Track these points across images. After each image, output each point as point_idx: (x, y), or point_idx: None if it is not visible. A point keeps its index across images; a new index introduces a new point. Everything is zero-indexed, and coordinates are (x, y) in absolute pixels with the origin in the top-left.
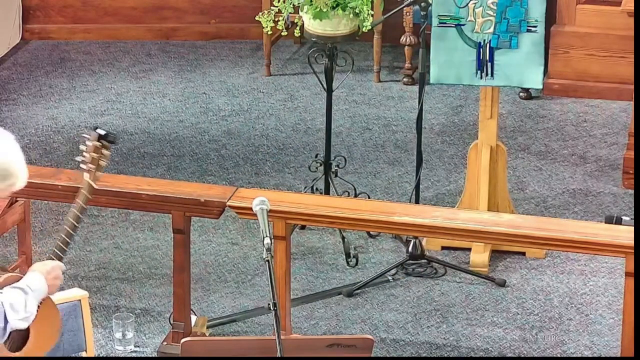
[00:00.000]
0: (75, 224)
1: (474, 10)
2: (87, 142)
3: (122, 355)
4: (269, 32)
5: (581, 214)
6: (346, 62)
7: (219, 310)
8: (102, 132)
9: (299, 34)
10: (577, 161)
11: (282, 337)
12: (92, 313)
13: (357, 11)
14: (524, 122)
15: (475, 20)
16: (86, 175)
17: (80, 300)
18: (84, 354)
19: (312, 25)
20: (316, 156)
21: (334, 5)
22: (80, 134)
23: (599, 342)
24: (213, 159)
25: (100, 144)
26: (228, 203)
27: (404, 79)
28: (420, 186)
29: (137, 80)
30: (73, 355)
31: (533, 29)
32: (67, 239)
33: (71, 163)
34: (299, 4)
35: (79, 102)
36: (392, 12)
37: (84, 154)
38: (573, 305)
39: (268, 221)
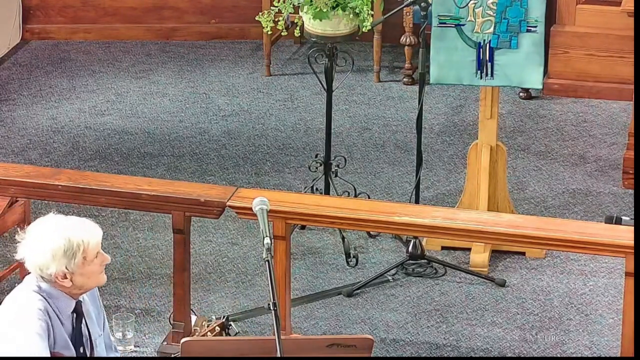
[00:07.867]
0: None
1: (474, 10)
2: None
3: (122, 355)
4: (269, 32)
5: (581, 214)
6: (346, 62)
7: (219, 310)
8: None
9: (299, 34)
10: (577, 161)
11: (282, 337)
12: None
13: (357, 11)
14: (524, 122)
15: (475, 20)
16: None
17: None
18: None
19: (312, 25)
20: (316, 156)
21: (334, 5)
22: (79, 134)
23: (599, 342)
24: (213, 159)
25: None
26: (228, 203)
27: (404, 79)
28: (420, 186)
29: (137, 80)
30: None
31: (533, 29)
32: None
33: (71, 163)
34: (299, 4)
35: (79, 102)
36: (392, 12)
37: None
38: (573, 305)
39: (268, 221)
